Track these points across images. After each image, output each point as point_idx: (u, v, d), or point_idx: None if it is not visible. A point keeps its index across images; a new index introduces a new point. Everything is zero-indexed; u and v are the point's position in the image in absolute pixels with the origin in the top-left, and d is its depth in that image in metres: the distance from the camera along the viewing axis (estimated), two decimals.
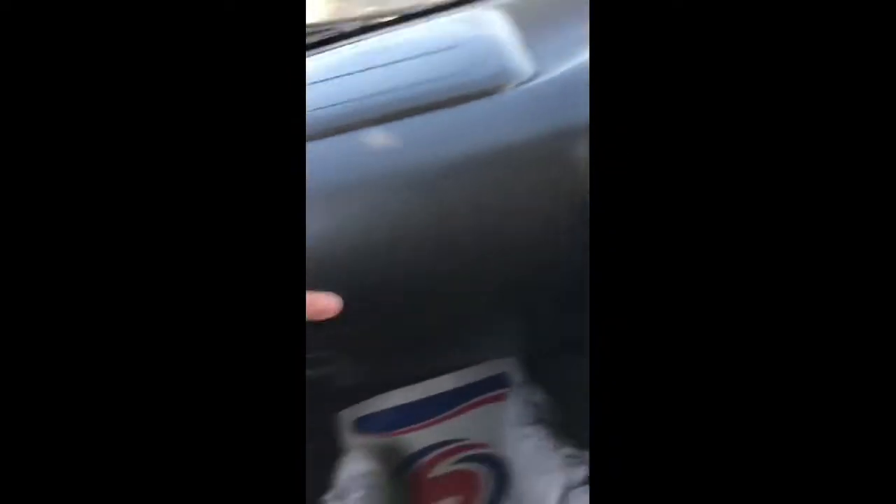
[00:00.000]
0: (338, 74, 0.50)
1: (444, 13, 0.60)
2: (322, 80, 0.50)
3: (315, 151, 0.43)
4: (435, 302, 0.50)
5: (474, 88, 0.44)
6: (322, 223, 0.43)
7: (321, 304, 0.36)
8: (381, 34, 0.59)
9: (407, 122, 0.44)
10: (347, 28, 0.60)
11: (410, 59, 0.49)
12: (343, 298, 0.36)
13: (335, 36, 0.60)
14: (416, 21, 0.60)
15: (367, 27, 0.61)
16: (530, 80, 0.45)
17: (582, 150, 0.42)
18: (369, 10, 0.64)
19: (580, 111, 0.42)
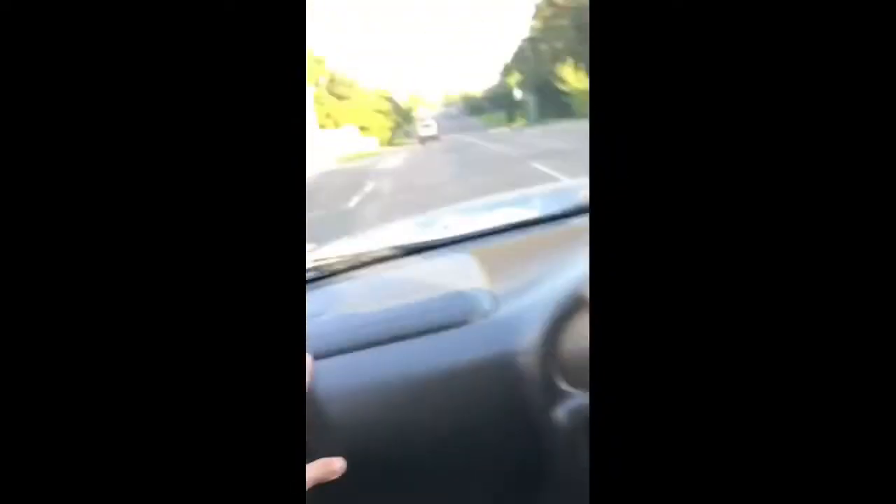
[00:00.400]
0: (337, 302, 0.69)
1: (422, 254, 0.82)
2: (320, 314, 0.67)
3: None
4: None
5: (446, 322, 0.61)
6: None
7: (335, 465, 0.44)
8: (373, 270, 0.80)
9: (394, 346, 0.60)
10: (340, 266, 0.80)
11: (399, 296, 0.69)
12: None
13: (331, 272, 0.79)
14: (400, 260, 0.81)
15: (358, 265, 0.81)
16: (489, 314, 0.61)
17: (527, 369, 0.55)
18: (361, 249, 0.83)
19: (525, 339, 0.56)
